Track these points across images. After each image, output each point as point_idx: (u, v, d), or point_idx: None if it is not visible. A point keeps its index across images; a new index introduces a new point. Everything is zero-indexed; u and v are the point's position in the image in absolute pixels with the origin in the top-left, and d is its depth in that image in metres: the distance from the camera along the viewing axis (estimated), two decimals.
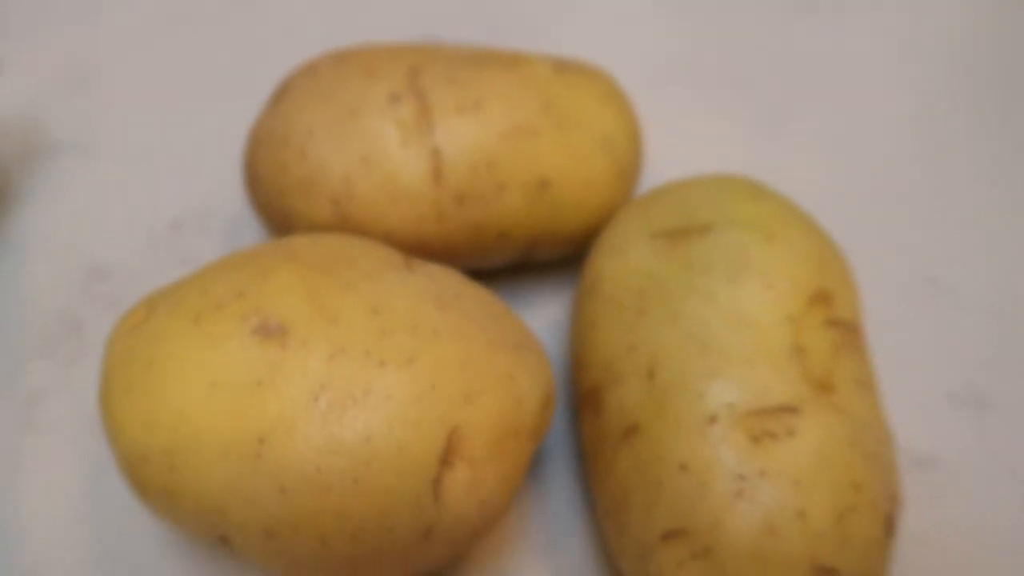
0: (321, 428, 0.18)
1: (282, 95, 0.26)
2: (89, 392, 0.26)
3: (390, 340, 0.19)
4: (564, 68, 0.28)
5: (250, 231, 0.31)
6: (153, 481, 0.18)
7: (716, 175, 0.25)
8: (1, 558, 0.22)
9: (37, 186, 0.31)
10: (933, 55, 0.38)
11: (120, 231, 0.30)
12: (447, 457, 0.19)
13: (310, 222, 0.25)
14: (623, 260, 0.23)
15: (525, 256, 0.28)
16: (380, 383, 0.18)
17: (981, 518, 0.25)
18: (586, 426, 0.22)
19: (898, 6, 0.41)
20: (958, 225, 0.32)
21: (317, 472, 0.18)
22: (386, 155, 0.25)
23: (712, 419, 0.19)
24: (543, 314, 0.29)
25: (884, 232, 0.32)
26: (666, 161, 0.34)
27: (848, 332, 0.21)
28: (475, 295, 0.22)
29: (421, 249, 0.26)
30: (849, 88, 0.37)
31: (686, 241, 0.23)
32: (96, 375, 0.26)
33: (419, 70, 0.26)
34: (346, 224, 0.25)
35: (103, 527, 0.23)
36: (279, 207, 0.25)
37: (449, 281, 0.22)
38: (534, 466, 0.26)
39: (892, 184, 0.33)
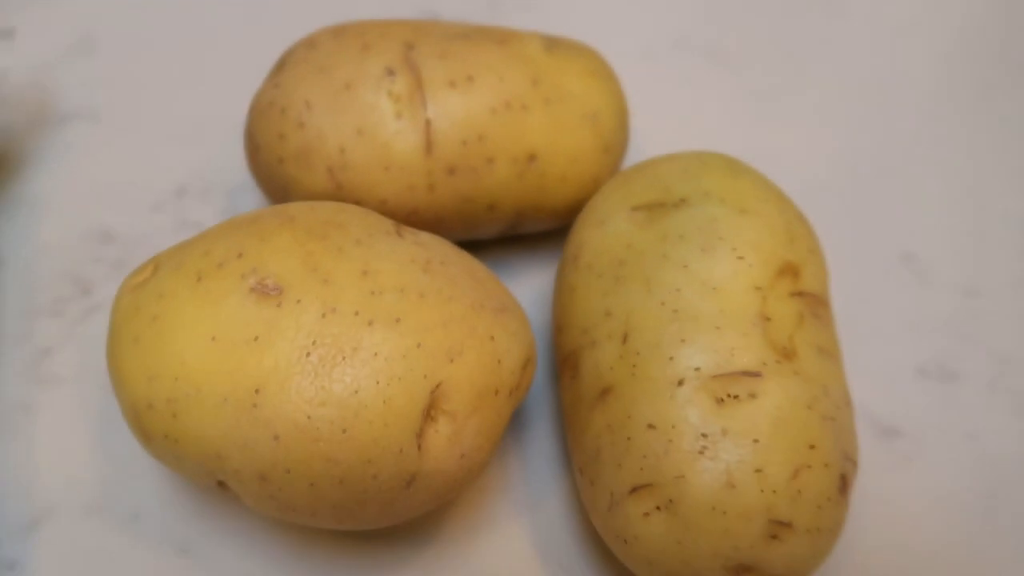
0: (312, 381, 0.19)
1: (282, 67, 0.27)
2: (95, 349, 0.27)
3: (378, 301, 0.20)
4: (554, 45, 0.29)
5: (251, 198, 0.32)
6: (157, 429, 0.20)
7: (695, 151, 0.26)
8: (16, 502, 0.24)
9: (47, 152, 0.32)
10: (920, 35, 0.39)
11: (126, 196, 0.31)
12: (430, 411, 0.20)
13: (307, 190, 0.26)
14: (604, 231, 0.25)
15: (513, 227, 0.29)
16: (368, 341, 0.20)
17: (942, 482, 0.26)
18: (565, 388, 0.24)
19: None
20: (934, 202, 0.33)
21: (308, 421, 0.19)
22: (380, 127, 0.26)
23: (680, 382, 0.21)
24: (529, 283, 0.30)
25: (861, 208, 0.33)
26: (654, 137, 0.34)
27: (813, 303, 0.23)
28: (461, 261, 0.23)
29: (413, 218, 0.27)
30: (839, 72, 0.38)
31: (663, 214, 0.24)
32: (102, 333, 0.27)
33: (413, 45, 0.27)
34: (341, 193, 0.26)
35: (107, 475, 0.25)
36: (278, 175, 0.27)
37: (437, 247, 0.23)
38: (517, 426, 0.27)
39: (871, 162, 0.34)
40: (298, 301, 0.20)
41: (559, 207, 0.28)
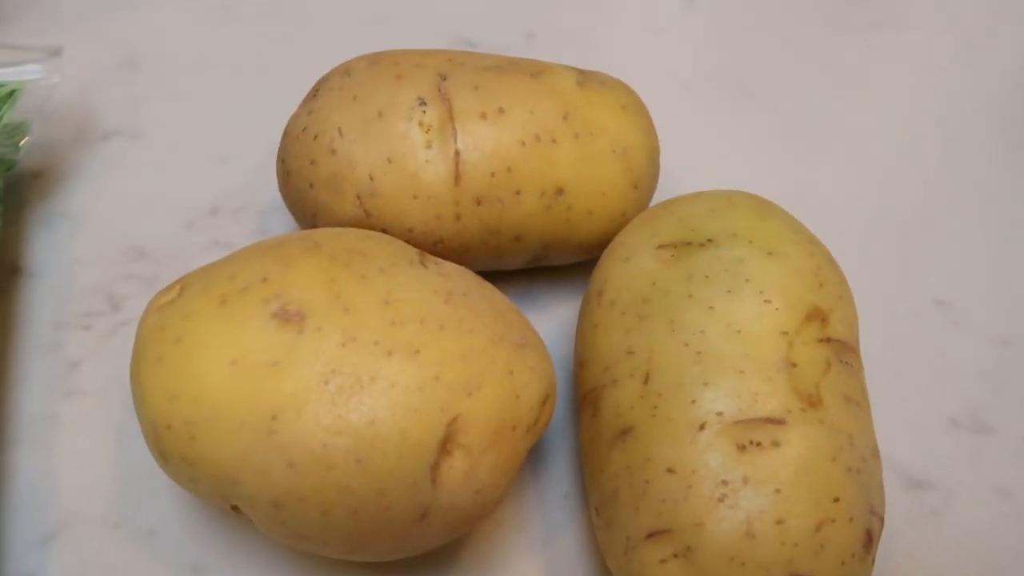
0: (329, 409, 0.19)
1: (316, 93, 0.28)
2: (121, 364, 0.27)
3: (398, 331, 0.20)
4: (587, 79, 0.29)
5: (282, 220, 0.32)
6: (175, 449, 0.20)
7: (723, 191, 0.26)
8: (34, 513, 0.24)
9: (87, 167, 0.33)
10: (958, 79, 0.38)
11: (161, 213, 0.32)
12: (446, 445, 0.20)
13: (335, 216, 0.27)
14: (629, 268, 0.24)
15: (539, 260, 0.29)
16: (387, 371, 0.20)
17: (972, 538, 0.25)
18: (584, 426, 0.23)
19: (935, 26, 0.41)
20: (968, 249, 0.32)
21: (323, 449, 0.19)
22: (410, 156, 0.26)
23: (701, 426, 0.20)
24: (553, 315, 0.30)
25: (893, 253, 0.32)
26: (684, 175, 0.34)
27: (841, 350, 0.22)
28: (484, 293, 0.23)
29: (439, 247, 0.27)
30: (873, 112, 0.37)
31: (689, 253, 0.23)
32: (129, 349, 0.28)
33: (447, 75, 0.27)
34: (369, 220, 0.26)
35: (126, 491, 0.25)
36: (307, 200, 0.27)
37: (460, 279, 0.23)
38: (535, 463, 0.27)
39: (903, 206, 0.34)
40: (319, 328, 0.20)
41: (586, 241, 0.28)
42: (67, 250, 0.30)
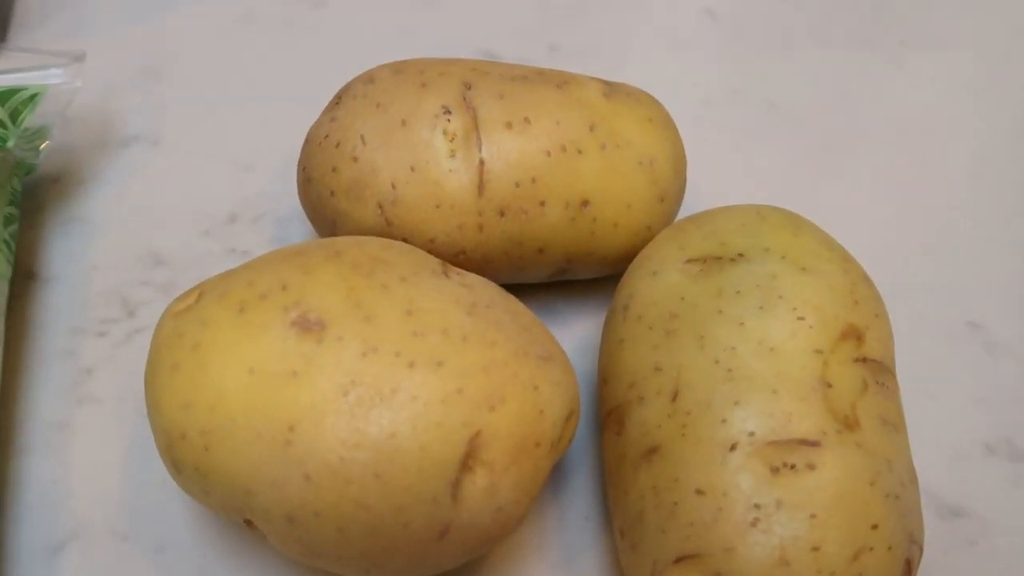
0: (348, 422, 0.18)
1: (339, 101, 0.27)
2: (136, 372, 0.27)
3: (420, 342, 0.20)
4: (614, 91, 0.28)
5: (299, 230, 0.32)
6: (188, 459, 0.19)
7: (754, 205, 0.25)
8: (42, 522, 0.24)
9: (107, 173, 0.33)
10: (993, 100, 0.38)
11: (179, 221, 0.31)
12: (467, 461, 0.19)
13: (357, 225, 0.26)
14: (656, 282, 0.24)
15: (562, 273, 0.28)
16: (408, 383, 0.19)
17: (1009, 568, 0.24)
18: (608, 444, 0.23)
19: (964, 46, 0.40)
20: (1002, 271, 0.31)
21: (341, 463, 0.18)
22: (433, 164, 0.26)
23: (732, 446, 0.19)
24: (576, 332, 0.29)
25: (926, 275, 0.31)
26: (710, 190, 0.34)
27: (878, 371, 0.21)
28: (507, 306, 0.22)
29: (461, 258, 0.26)
30: (901, 129, 0.36)
31: (719, 268, 0.23)
32: (143, 356, 0.27)
33: (472, 84, 0.27)
34: (391, 229, 0.26)
35: (137, 502, 0.24)
36: (328, 208, 0.26)
37: (483, 290, 0.22)
38: (556, 481, 0.26)
39: (939, 227, 0.33)
40: (339, 338, 0.19)
41: (610, 254, 0.28)
42: (84, 256, 0.30)
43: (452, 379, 0.19)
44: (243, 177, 0.33)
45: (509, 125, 0.26)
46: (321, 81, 0.36)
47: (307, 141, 0.28)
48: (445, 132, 0.26)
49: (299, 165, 0.28)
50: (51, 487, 0.24)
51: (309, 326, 0.20)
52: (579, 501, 0.25)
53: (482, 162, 0.26)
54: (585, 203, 0.26)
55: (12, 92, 0.28)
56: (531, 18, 0.43)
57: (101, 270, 0.30)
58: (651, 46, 0.40)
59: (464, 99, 0.26)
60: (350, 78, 0.36)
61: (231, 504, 0.19)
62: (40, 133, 0.30)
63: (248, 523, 0.20)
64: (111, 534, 0.23)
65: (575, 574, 0.24)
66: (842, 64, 0.39)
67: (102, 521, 0.24)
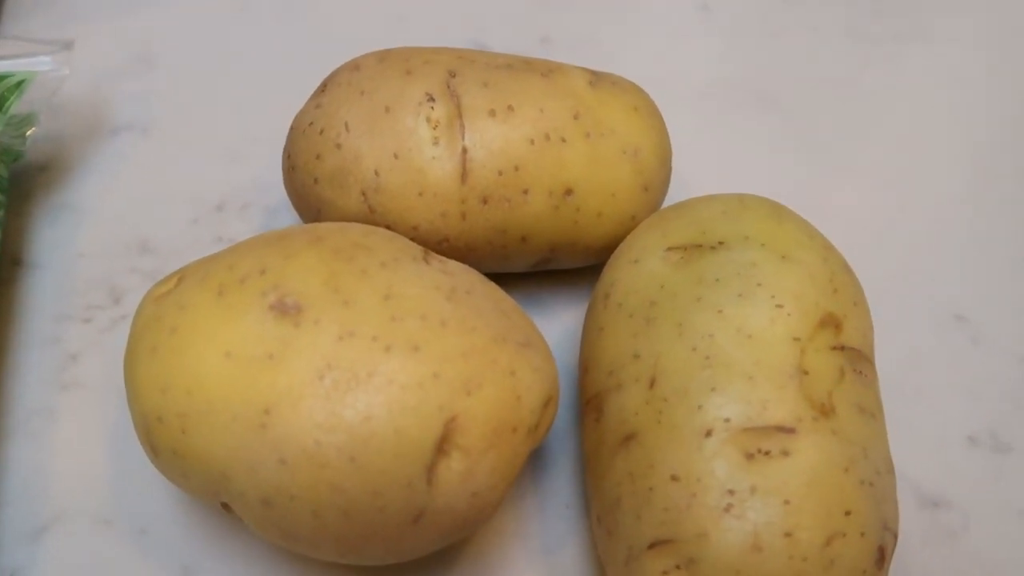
0: (324, 405, 0.18)
1: (324, 88, 0.27)
2: (119, 359, 0.27)
3: (398, 327, 0.20)
4: (599, 80, 0.28)
5: (287, 218, 0.32)
6: (165, 443, 0.19)
7: (736, 194, 0.25)
8: (24, 507, 0.24)
9: (96, 161, 0.33)
10: (980, 92, 0.38)
11: (167, 209, 0.32)
12: (443, 445, 0.19)
13: (341, 212, 0.26)
14: (637, 270, 0.24)
15: (546, 262, 0.28)
16: (384, 367, 0.19)
17: (990, 560, 0.24)
18: (587, 431, 0.23)
19: (959, 39, 0.40)
20: (988, 265, 0.31)
21: (316, 446, 0.18)
22: (417, 152, 0.26)
23: (708, 432, 0.20)
24: (559, 320, 0.29)
25: (913, 267, 0.31)
26: (696, 181, 0.34)
27: (855, 359, 0.21)
28: (487, 292, 0.22)
29: (444, 246, 0.26)
30: (891, 122, 0.36)
31: (699, 255, 0.23)
32: None
33: (456, 72, 0.27)
34: (373, 216, 0.26)
35: (119, 487, 0.24)
36: (312, 196, 0.26)
37: (463, 276, 0.22)
38: (537, 469, 0.26)
39: (926, 220, 0.33)
40: (316, 321, 0.19)
41: (594, 244, 0.28)
42: (71, 243, 0.30)
43: (429, 363, 0.19)
44: (232, 166, 0.33)
45: (492, 113, 0.26)
46: (310, 70, 0.36)
47: (292, 129, 0.28)
48: (428, 119, 0.26)
49: (284, 153, 0.28)
50: (34, 472, 0.24)
51: (286, 309, 0.20)
52: (561, 489, 0.25)
53: (465, 150, 0.26)
54: (569, 192, 0.26)
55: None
56: (523, 9, 0.43)
57: (88, 257, 0.30)
58: (644, 38, 0.40)
59: (448, 87, 0.26)
60: (325, 67, 0.36)
61: (208, 488, 0.19)
62: (27, 120, 0.30)
63: (225, 506, 0.20)
64: (94, 518, 0.24)
65: (556, 562, 0.24)
66: (835, 57, 0.39)
67: (85, 505, 0.24)
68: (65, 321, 0.28)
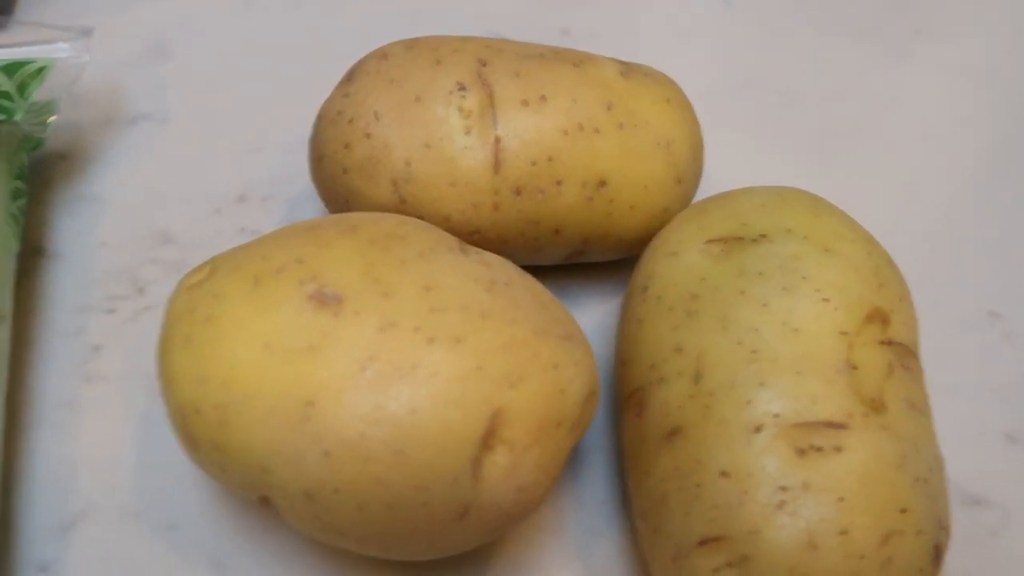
0: (367, 397, 0.18)
1: (352, 76, 0.27)
2: (144, 349, 0.27)
3: (440, 318, 0.19)
4: (631, 71, 0.28)
5: (310, 209, 0.31)
6: (203, 435, 0.19)
7: (774, 187, 0.25)
8: (53, 501, 0.23)
9: (115, 151, 0.32)
10: (1008, 86, 0.37)
11: (188, 200, 0.31)
12: (488, 439, 0.19)
13: (370, 202, 0.26)
14: (676, 263, 0.23)
15: (578, 255, 0.28)
16: (428, 359, 0.18)
17: None
18: (628, 426, 0.22)
19: (975, 36, 0.40)
20: (1021, 260, 0.31)
21: (360, 439, 0.18)
22: (448, 141, 0.25)
23: (757, 428, 0.19)
24: (590, 315, 0.29)
25: (944, 264, 0.31)
26: (721, 176, 0.33)
27: (903, 354, 0.21)
28: (525, 284, 0.22)
29: (475, 238, 0.26)
30: (915, 117, 0.36)
31: (740, 248, 0.22)
32: (152, 333, 0.27)
33: (486, 62, 0.26)
34: (405, 206, 0.25)
35: (147, 481, 0.24)
36: (341, 185, 0.26)
37: (501, 268, 0.22)
38: (572, 465, 0.25)
39: (955, 215, 0.33)
40: (356, 312, 0.19)
41: (626, 236, 0.27)
42: (92, 233, 0.29)
43: (472, 356, 0.19)
44: (252, 157, 0.33)
45: (525, 103, 0.25)
46: (329, 63, 0.35)
47: (319, 118, 0.27)
48: (460, 109, 0.25)
49: (311, 142, 0.27)
50: (60, 465, 0.24)
51: (326, 300, 0.19)
52: (595, 484, 0.25)
53: (498, 140, 0.25)
54: (602, 183, 0.26)
55: (20, 65, 0.28)
56: (543, 1, 0.42)
57: (110, 247, 0.29)
58: (663, 31, 0.40)
59: (479, 76, 0.26)
60: (358, 58, 0.36)
61: (248, 480, 0.19)
62: (47, 107, 0.29)
63: (264, 500, 0.20)
64: (122, 512, 0.23)
65: (591, 558, 0.23)
66: (853, 52, 0.39)
67: (112, 499, 0.23)
68: (88, 312, 0.27)
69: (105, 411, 0.25)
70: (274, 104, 0.35)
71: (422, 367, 0.18)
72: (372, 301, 0.19)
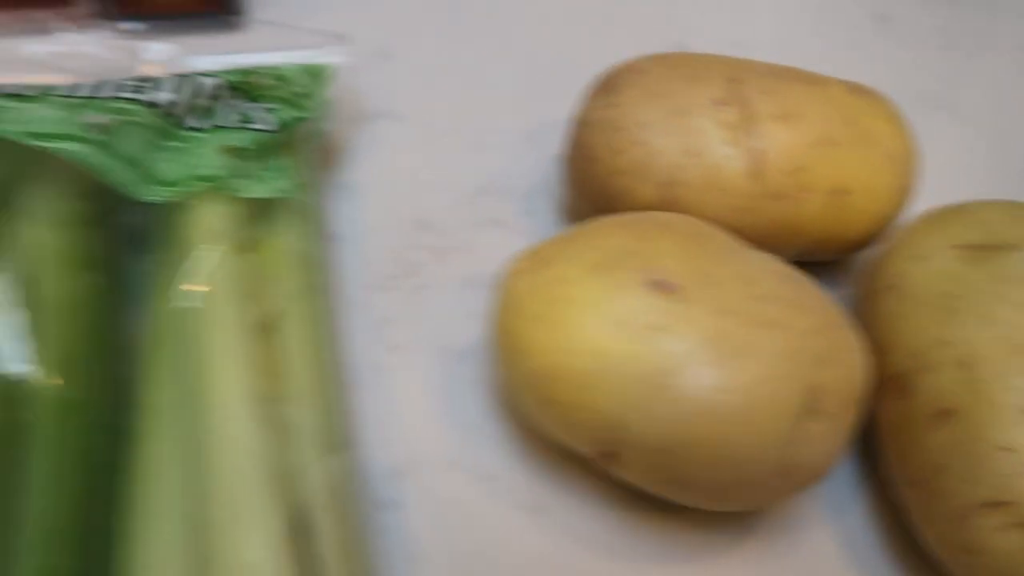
0: (715, 371, 0.21)
1: (613, 88, 0.30)
2: (428, 323, 0.30)
3: (762, 306, 0.23)
4: (855, 89, 0.31)
5: (544, 203, 0.35)
6: (562, 396, 0.23)
7: (1008, 200, 0.28)
8: (383, 451, 0.27)
9: (364, 145, 0.36)
10: None
11: (434, 191, 0.35)
12: (807, 409, 0.22)
13: (636, 202, 0.29)
14: (925, 266, 0.26)
15: (803, 255, 0.31)
16: (759, 340, 0.22)
17: None
18: (889, 406, 0.26)
19: None
20: None
21: (710, 406, 0.21)
22: (710, 150, 0.28)
23: None
24: None
25: None
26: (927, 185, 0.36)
27: None
28: (802, 279, 0.25)
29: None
30: None
31: (991, 255, 0.26)
32: (433, 309, 0.31)
33: (737, 80, 0.30)
34: (669, 207, 0.29)
35: (458, 435, 0.27)
36: (609, 186, 0.29)
37: (781, 264, 0.25)
38: None
39: None
40: (693, 299, 0.22)
41: (852, 240, 0.30)
42: (360, 219, 0.33)
43: (793, 338, 0.22)
44: (482, 153, 0.36)
45: (778, 118, 0.29)
46: (532, 68, 0.39)
47: (583, 124, 0.30)
48: (721, 122, 0.29)
49: (574, 146, 0.31)
50: (380, 420, 0.28)
51: (663, 287, 0.23)
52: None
53: (756, 151, 0.28)
54: (843, 192, 0.29)
55: (316, 68, 0.31)
56: (719, 14, 0.45)
57: (378, 232, 0.33)
58: (828, 46, 0.42)
59: (734, 92, 0.29)
60: (566, 66, 0.39)
61: (601, 436, 0.23)
62: (325, 106, 0.33)
63: (606, 454, 0.23)
64: (446, 462, 0.27)
65: (843, 521, 0.27)
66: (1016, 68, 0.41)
67: (434, 451, 0.27)
68: (373, 289, 0.31)
69: (407, 375, 0.29)
70: (490, 103, 0.38)
71: (755, 346, 0.22)
72: (704, 290, 0.23)
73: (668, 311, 0.22)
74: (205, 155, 0.26)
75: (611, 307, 0.23)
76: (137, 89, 0.26)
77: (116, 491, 0.22)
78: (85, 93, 0.26)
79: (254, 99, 0.29)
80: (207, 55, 0.32)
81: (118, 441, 0.23)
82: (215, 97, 0.28)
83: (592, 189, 0.30)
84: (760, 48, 0.42)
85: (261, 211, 0.27)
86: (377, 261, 0.32)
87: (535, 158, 0.37)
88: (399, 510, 0.26)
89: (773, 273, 0.24)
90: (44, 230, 0.24)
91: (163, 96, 0.26)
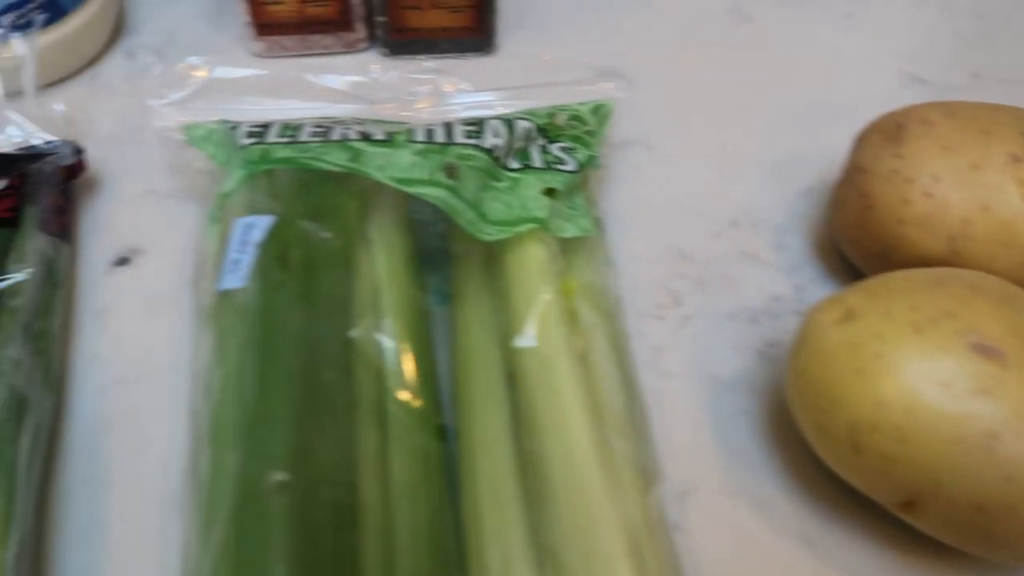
0: None
1: (902, 139, 0.31)
2: (697, 353, 0.32)
3: None
4: None
5: (794, 236, 0.36)
6: (876, 447, 0.24)
7: None
8: (669, 472, 0.29)
9: (618, 173, 0.38)
10: None
11: (689, 220, 0.36)
12: None
13: (921, 252, 0.30)
14: None
15: None
16: None
17: None
18: None
19: None
20: None
21: None
22: (1005, 206, 0.29)
23: None
24: None
25: None
26: None
27: None
28: None
29: None
30: None
31: None
32: (700, 340, 0.33)
33: None
34: (956, 260, 0.29)
35: (732, 462, 0.29)
36: (893, 234, 0.30)
37: None
38: None
39: None
40: (1018, 365, 0.23)
41: None
42: (623, 247, 0.35)
43: None
44: (732, 184, 0.38)
45: None
46: (768, 95, 0.40)
47: (866, 172, 0.31)
48: (1015, 178, 0.29)
49: (851, 192, 0.32)
50: (661, 444, 0.30)
51: (987, 352, 0.24)
52: None
53: None
54: None
55: (600, 106, 0.34)
56: (953, 44, 0.45)
57: (641, 261, 0.35)
58: None
59: None
60: (791, 101, 0.40)
61: (908, 487, 0.24)
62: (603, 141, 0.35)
63: (906, 504, 0.25)
64: (721, 489, 0.29)
65: None
66: None
67: (709, 476, 0.29)
68: (643, 317, 0.33)
69: (679, 402, 0.31)
70: (736, 133, 0.40)
71: None
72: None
73: (991, 375, 0.23)
74: (530, 196, 0.28)
75: (934, 367, 0.24)
76: (473, 135, 0.29)
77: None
78: (440, 139, 0.29)
79: (553, 139, 0.32)
80: (495, 91, 0.35)
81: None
82: (529, 139, 0.31)
83: (869, 236, 0.31)
84: (1002, 81, 0.41)
85: (564, 248, 0.29)
86: (643, 289, 0.34)
87: (782, 191, 0.38)
88: (679, 531, 0.28)
89: None
90: (396, 255, 0.28)
91: (492, 140, 0.29)
